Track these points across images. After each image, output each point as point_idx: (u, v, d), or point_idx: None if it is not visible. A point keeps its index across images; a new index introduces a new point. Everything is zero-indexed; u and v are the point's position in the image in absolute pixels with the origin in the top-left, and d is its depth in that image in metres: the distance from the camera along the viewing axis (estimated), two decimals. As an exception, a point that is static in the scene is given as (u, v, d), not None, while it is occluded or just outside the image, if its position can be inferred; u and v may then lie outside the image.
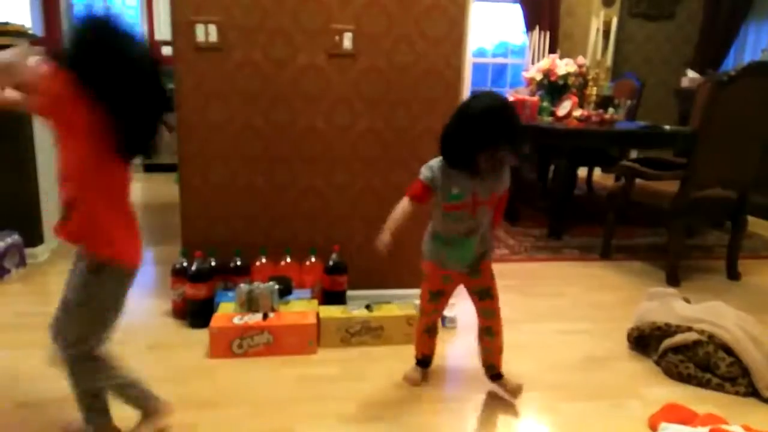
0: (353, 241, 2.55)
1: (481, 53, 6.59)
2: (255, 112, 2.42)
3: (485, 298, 1.83)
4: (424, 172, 1.70)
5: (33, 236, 3.04)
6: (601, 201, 3.90)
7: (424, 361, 2.02)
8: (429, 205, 1.76)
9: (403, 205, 1.72)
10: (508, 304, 1.63)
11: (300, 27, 2.35)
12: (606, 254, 3.48)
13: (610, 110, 4.05)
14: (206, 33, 2.32)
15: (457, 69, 2.49)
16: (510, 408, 1.87)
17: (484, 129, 1.56)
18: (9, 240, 2.85)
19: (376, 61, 2.43)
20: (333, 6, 2.36)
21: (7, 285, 2.76)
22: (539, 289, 2.88)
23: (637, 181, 3.25)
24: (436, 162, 1.70)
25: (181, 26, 2.30)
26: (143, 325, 2.38)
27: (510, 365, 1.94)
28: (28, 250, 3.00)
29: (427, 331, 1.98)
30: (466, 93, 6.24)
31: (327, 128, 2.46)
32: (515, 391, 1.87)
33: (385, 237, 1.71)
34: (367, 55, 2.42)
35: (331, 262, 2.45)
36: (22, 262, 2.95)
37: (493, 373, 1.91)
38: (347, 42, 2.39)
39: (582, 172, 5.00)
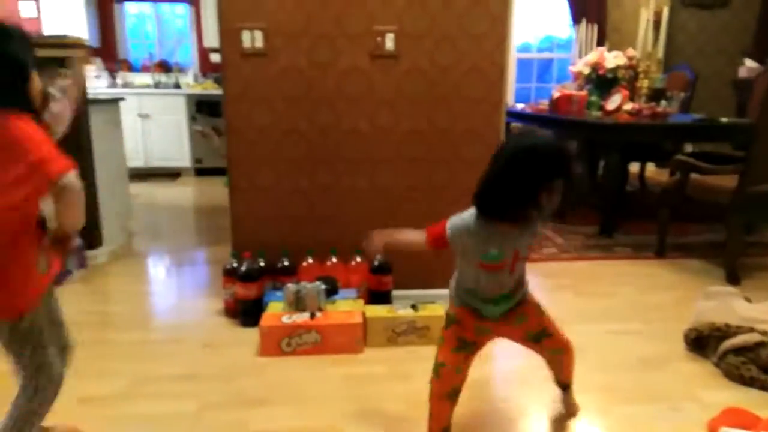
0: (398, 241, 2.55)
1: (525, 48, 6.49)
2: (299, 116, 2.46)
3: (542, 338, 1.60)
4: (450, 228, 1.46)
5: (93, 239, 3.19)
6: (654, 197, 3.77)
7: None
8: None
9: (418, 240, 1.53)
10: (558, 303, 1.55)
11: (342, 30, 2.38)
12: (661, 252, 3.37)
13: (663, 103, 3.92)
14: (252, 39, 2.37)
15: (501, 66, 2.46)
16: (561, 410, 1.84)
17: (543, 162, 1.35)
18: (71, 242, 2.99)
19: (418, 61, 2.43)
20: (375, 8, 2.37)
21: (70, 285, 2.89)
22: (591, 289, 2.81)
23: (693, 176, 3.13)
24: (468, 218, 1.44)
25: (229, 33, 2.37)
26: (198, 324, 2.46)
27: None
28: (88, 252, 3.15)
29: (449, 395, 1.56)
30: (510, 91, 6.17)
31: (370, 129, 2.48)
32: (573, 409, 1.77)
33: (377, 243, 1.58)
34: (410, 56, 2.42)
35: (376, 262, 2.46)
36: (83, 264, 3.09)
37: (562, 384, 1.77)
38: (389, 43, 2.40)
39: (634, 167, 4.85)
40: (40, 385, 1.44)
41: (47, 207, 1.34)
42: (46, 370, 1.43)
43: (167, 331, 2.44)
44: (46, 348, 1.43)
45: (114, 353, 2.21)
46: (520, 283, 1.55)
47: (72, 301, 2.70)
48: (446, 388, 1.55)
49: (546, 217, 1.41)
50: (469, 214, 1.44)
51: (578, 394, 1.83)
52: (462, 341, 1.54)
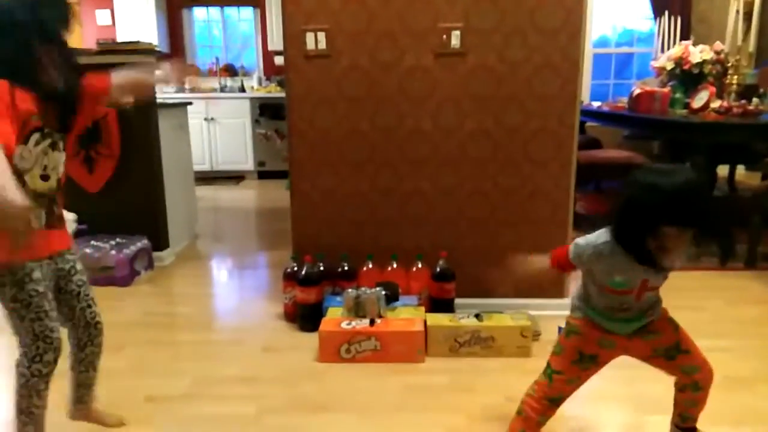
0: (461, 246, 2.46)
1: (603, 43, 6.22)
2: (361, 117, 2.41)
3: (676, 355, 1.46)
4: (574, 252, 1.39)
5: (160, 241, 3.28)
6: (745, 202, 3.49)
7: None
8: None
9: (543, 265, 1.49)
10: None
11: (406, 28, 2.31)
12: (751, 263, 3.14)
13: (755, 100, 3.63)
14: (315, 41, 2.35)
15: (575, 61, 2.32)
16: (638, 429, 1.69)
17: (661, 204, 1.22)
18: (139, 244, 3.08)
19: (485, 58, 2.33)
20: (440, 4, 2.29)
21: (137, 286, 2.99)
22: (674, 302, 2.56)
23: (790, 179, 2.87)
24: (596, 241, 1.35)
25: (293, 36, 2.36)
26: (258, 327, 2.47)
27: (641, 386, 1.76)
28: (155, 254, 3.24)
29: (554, 400, 1.48)
30: (586, 88, 5.91)
31: (433, 129, 2.40)
32: None
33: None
34: (476, 53, 2.33)
35: (438, 269, 2.38)
36: (150, 265, 3.18)
37: (687, 426, 1.59)
38: (455, 40, 2.31)
39: (722, 170, 4.53)
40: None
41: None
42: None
43: (229, 333, 2.46)
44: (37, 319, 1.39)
45: (178, 353, 2.25)
46: (651, 306, 1.44)
47: (139, 302, 2.78)
48: (554, 393, 1.48)
49: (674, 262, 1.28)
50: (596, 236, 1.36)
51: (657, 415, 1.67)
52: (581, 354, 1.45)
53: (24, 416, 1.44)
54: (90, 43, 5.61)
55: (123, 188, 3.16)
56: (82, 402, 1.67)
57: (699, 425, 1.67)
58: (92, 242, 3.05)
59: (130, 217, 3.19)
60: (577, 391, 1.48)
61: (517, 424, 1.51)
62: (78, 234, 3.16)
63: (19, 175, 1.28)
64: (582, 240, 1.38)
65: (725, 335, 2.32)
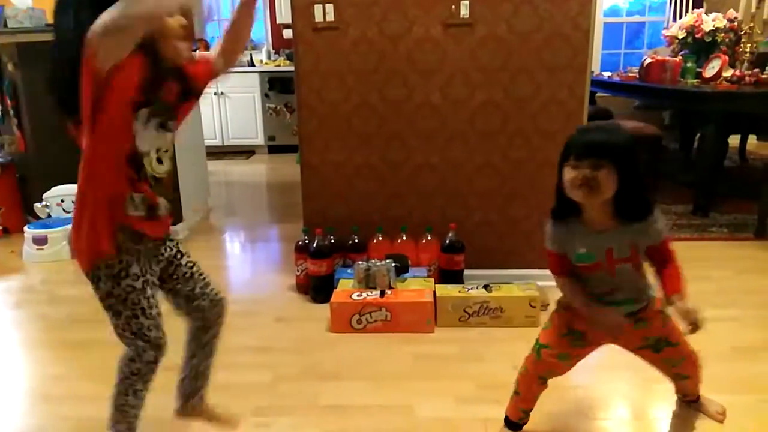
0: (470, 219, 2.48)
1: (614, 12, 6.10)
2: (370, 89, 2.41)
3: (663, 347, 1.43)
4: (547, 238, 1.39)
5: (174, 215, 3.30)
6: (756, 173, 3.47)
7: (517, 425, 1.55)
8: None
9: (560, 284, 1.42)
10: None
11: (414, 0, 2.30)
12: (761, 233, 3.12)
13: (768, 69, 3.56)
14: (324, 13, 2.34)
15: (586, 31, 2.29)
16: (644, 398, 1.73)
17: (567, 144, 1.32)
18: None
19: (495, 28, 2.31)
20: (449, -26, 2.26)
21: (154, 259, 3.04)
22: (683, 272, 2.62)
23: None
24: (550, 228, 1.39)
25: (301, 8, 2.35)
26: (271, 298, 2.52)
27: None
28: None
29: (542, 378, 1.49)
30: (596, 58, 5.82)
31: (443, 102, 2.40)
32: (717, 416, 1.58)
33: (590, 313, 1.37)
34: (485, 23, 2.31)
35: (447, 241, 2.40)
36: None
37: (689, 399, 1.61)
38: (464, 10, 2.29)
39: (734, 140, 4.49)
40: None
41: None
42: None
43: (243, 304, 2.50)
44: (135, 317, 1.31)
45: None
46: (639, 291, 1.40)
47: (155, 274, 2.84)
48: (542, 370, 1.47)
49: (587, 198, 1.27)
50: (550, 224, 1.38)
51: (664, 383, 1.70)
52: (570, 329, 1.43)
53: (118, 413, 1.37)
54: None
55: (136, 163, 3.19)
56: (196, 395, 1.55)
57: (705, 393, 1.70)
58: (107, 217, 3.10)
59: (144, 191, 3.23)
60: (582, 361, 1.50)
61: (512, 404, 1.54)
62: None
63: (139, 159, 1.21)
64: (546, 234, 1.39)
65: (733, 305, 2.32)
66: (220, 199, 4.32)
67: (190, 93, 1.31)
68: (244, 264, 3.13)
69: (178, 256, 1.39)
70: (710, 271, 2.67)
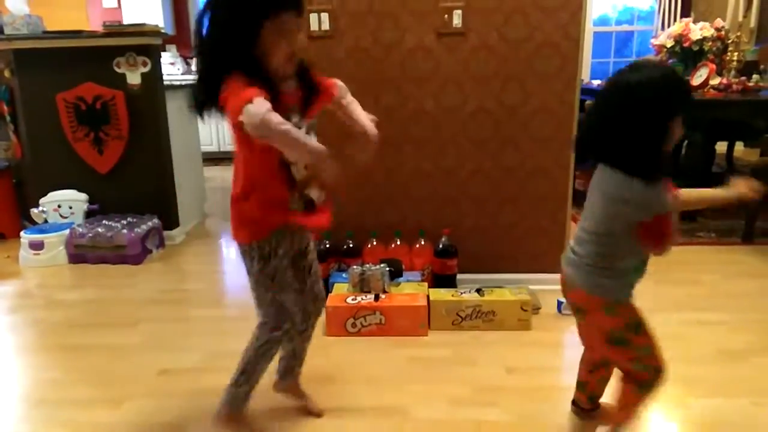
0: (463, 224, 2.52)
1: (603, 21, 6.18)
2: (364, 98, 2.38)
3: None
4: (666, 201, 1.26)
5: (170, 220, 3.34)
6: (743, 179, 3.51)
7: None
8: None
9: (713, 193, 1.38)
10: (638, 291, 1.45)
11: (408, 8, 2.34)
12: (748, 238, 3.17)
13: (755, 77, 3.64)
14: (319, 21, 2.37)
15: (576, 40, 2.34)
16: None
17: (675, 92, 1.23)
18: (150, 223, 3.15)
19: (486, 37, 2.35)
20: (442, -16, 2.31)
21: (149, 264, 3.06)
22: (672, 276, 2.66)
23: (788, 155, 2.90)
24: (641, 185, 1.23)
25: (296, 16, 2.37)
26: (265, 303, 2.53)
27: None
28: (166, 233, 3.31)
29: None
30: (586, 66, 5.89)
31: (436, 109, 2.44)
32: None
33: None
34: (478, 32, 2.35)
35: (440, 245, 2.43)
36: (161, 244, 3.25)
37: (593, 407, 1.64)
38: (456, 19, 2.33)
39: (721, 147, 4.54)
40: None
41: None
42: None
43: (239, 308, 2.52)
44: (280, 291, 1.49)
45: (190, 329, 2.32)
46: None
47: (151, 280, 2.86)
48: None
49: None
50: (639, 184, 1.23)
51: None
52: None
53: (245, 376, 1.55)
54: (96, 26, 5.62)
55: (133, 169, 3.22)
56: (291, 374, 1.73)
57: (695, 396, 1.73)
58: (104, 222, 3.12)
59: (141, 196, 3.26)
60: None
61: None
62: (90, 214, 3.23)
63: (287, 167, 1.34)
64: (645, 196, 1.24)
65: (721, 309, 2.36)
66: (216, 204, 4.33)
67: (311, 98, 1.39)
68: (240, 269, 3.09)
69: (307, 250, 1.55)
70: (698, 275, 2.72)
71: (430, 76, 2.40)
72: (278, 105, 1.21)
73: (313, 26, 2.37)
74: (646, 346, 1.35)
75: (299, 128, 1.27)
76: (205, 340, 2.20)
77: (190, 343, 2.18)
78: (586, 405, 1.62)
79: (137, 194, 3.26)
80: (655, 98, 1.19)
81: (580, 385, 1.61)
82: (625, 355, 1.36)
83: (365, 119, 1.45)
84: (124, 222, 3.10)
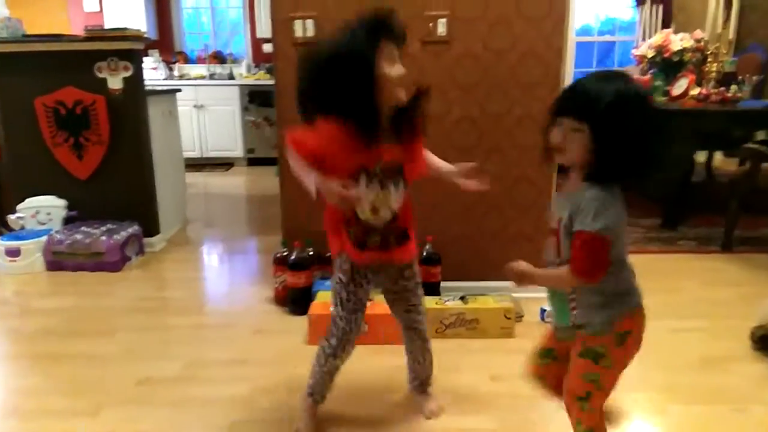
0: (448, 232, 2.52)
1: (585, 31, 6.26)
2: None
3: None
4: (604, 224, 1.12)
5: (151, 227, 3.30)
6: (722, 188, 3.57)
7: None
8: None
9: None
10: None
11: (393, 16, 2.34)
12: (728, 246, 3.21)
13: (733, 88, 3.70)
14: (304, 28, 2.37)
15: (559, 50, 2.36)
16: (617, 408, 1.76)
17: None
18: (130, 230, 3.11)
19: (471, 45, 2.37)
20: (427, -8, 2.32)
21: (128, 271, 3.01)
22: (651, 284, 2.62)
23: (764, 165, 2.96)
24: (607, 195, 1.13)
25: (281, 23, 2.37)
26: (248, 311, 2.51)
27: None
28: (146, 240, 3.26)
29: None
30: (569, 75, 5.95)
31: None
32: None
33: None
34: (462, 40, 2.36)
35: (424, 253, 2.43)
36: (141, 251, 3.21)
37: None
38: (441, 28, 2.34)
39: (701, 156, 4.62)
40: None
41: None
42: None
43: (220, 316, 2.50)
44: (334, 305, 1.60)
45: (169, 337, 2.28)
46: (579, 297, 1.24)
47: (130, 287, 2.81)
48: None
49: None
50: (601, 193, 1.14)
51: (636, 393, 1.75)
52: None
53: (312, 378, 1.65)
54: (77, 30, 5.55)
55: (113, 174, 3.17)
56: (412, 383, 1.81)
57: (676, 403, 1.74)
58: (83, 228, 3.07)
59: (121, 203, 3.21)
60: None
61: None
62: (68, 220, 3.18)
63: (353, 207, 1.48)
64: (598, 206, 1.11)
65: (701, 316, 2.39)
66: (198, 211, 4.30)
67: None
68: (222, 276, 3.11)
69: (398, 279, 1.63)
70: (679, 282, 2.75)
71: (415, 83, 2.40)
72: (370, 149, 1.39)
73: (298, 33, 2.37)
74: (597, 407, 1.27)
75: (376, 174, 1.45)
76: (185, 348, 2.17)
77: (169, 352, 2.15)
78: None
79: (117, 201, 3.21)
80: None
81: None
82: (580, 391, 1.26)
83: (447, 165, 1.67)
84: (103, 229, 3.05)
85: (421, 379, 1.78)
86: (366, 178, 1.45)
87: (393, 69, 1.40)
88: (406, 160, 1.52)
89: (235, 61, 6.57)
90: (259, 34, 6.22)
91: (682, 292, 2.64)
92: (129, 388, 1.89)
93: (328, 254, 2.45)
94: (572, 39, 5.93)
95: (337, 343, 1.59)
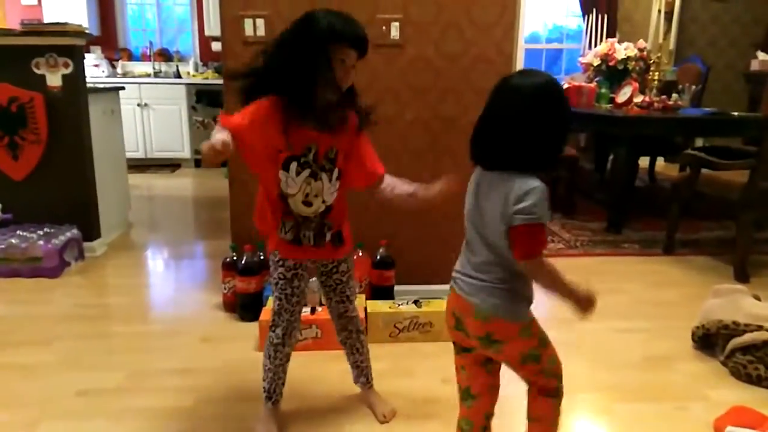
0: (401, 235, 2.51)
1: (534, 39, 6.41)
2: None
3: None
4: (539, 212, 1.14)
5: (91, 230, 3.16)
6: (664, 192, 3.73)
7: None
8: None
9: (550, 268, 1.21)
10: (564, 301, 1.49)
11: (346, 18, 2.32)
12: (669, 249, 3.32)
13: (674, 96, 3.86)
14: (254, 27, 2.32)
15: (509, 56, 2.40)
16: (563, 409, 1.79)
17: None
18: (69, 234, 2.97)
19: (424, 50, 2.37)
20: (380, -5, 2.31)
21: (67, 277, 2.87)
22: (597, 286, 2.67)
23: (703, 171, 3.09)
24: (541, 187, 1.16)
25: (230, 21, 2.32)
26: (195, 318, 2.43)
27: (563, 365, 1.85)
28: (86, 244, 3.12)
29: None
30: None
31: (373, 120, 2.42)
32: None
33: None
34: (415, 45, 2.37)
35: (378, 257, 2.42)
36: (80, 256, 3.07)
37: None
38: (394, 32, 2.34)
39: (643, 162, 4.80)
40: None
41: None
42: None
43: (165, 324, 2.41)
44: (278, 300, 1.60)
45: (111, 346, 2.19)
46: None
47: (69, 294, 2.68)
48: None
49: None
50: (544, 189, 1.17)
51: (581, 393, 1.79)
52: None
53: (265, 382, 1.67)
54: (14, 24, 5.28)
55: (51, 175, 3.03)
56: (358, 382, 1.81)
57: (618, 401, 1.79)
58: (18, 232, 2.91)
59: (59, 205, 3.07)
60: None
61: None
62: (2, 224, 3.01)
63: (284, 198, 1.49)
64: (539, 199, 1.14)
65: (644, 317, 2.46)
66: (142, 213, 4.15)
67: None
68: (167, 282, 3.01)
69: (333, 272, 1.64)
70: (623, 284, 2.83)
71: (368, 86, 2.38)
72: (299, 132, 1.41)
73: (248, 32, 2.32)
74: (552, 356, 1.31)
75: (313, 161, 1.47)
76: (127, 358, 2.08)
77: (111, 362, 2.06)
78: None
79: (55, 203, 3.06)
80: (552, 101, 1.19)
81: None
82: (535, 369, 1.31)
83: (407, 187, 1.66)
84: (40, 232, 2.91)
85: (363, 370, 1.79)
86: (297, 166, 1.45)
87: (347, 58, 1.43)
88: (345, 158, 1.54)
89: (182, 59, 6.40)
90: (208, 32, 6.06)
91: (626, 294, 2.72)
92: (68, 400, 1.81)
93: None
94: (522, 46, 6.06)
95: (283, 332, 1.61)
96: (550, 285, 1.20)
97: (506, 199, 1.16)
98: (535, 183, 1.15)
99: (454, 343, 1.39)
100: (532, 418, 1.39)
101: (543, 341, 1.30)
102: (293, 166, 1.45)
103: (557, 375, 1.34)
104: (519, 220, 1.14)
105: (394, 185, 1.64)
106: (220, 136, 1.29)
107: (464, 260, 1.31)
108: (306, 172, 1.47)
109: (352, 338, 1.74)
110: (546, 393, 1.35)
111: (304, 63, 1.37)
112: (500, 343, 1.25)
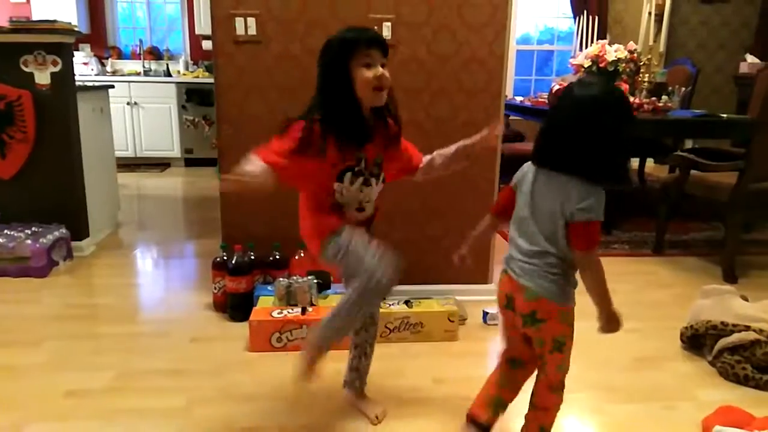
0: (392, 236, 2.48)
1: (525, 40, 6.44)
2: (292, 105, 2.35)
3: None
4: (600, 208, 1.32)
5: (79, 230, 3.14)
6: (653, 193, 3.74)
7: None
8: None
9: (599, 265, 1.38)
10: None
11: (338, 18, 2.32)
12: (659, 249, 3.34)
13: (664, 98, 3.88)
14: (245, 26, 2.31)
15: (500, 57, 2.40)
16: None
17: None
18: (57, 233, 2.94)
19: (416, 50, 2.37)
20: (371, -5, 2.31)
21: (56, 277, 2.85)
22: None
23: (692, 172, 3.10)
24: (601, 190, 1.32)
25: (221, 20, 2.31)
26: (186, 318, 2.42)
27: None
28: (74, 244, 3.09)
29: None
30: (509, 83, 6.11)
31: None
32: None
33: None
34: (407, 45, 2.37)
35: (369, 257, 2.41)
36: (69, 255, 3.04)
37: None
38: (386, 31, 2.34)
39: (633, 163, 4.82)
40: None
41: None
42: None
43: (155, 324, 2.39)
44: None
45: (101, 347, 2.17)
46: None
47: (57, 294, 2.66)
48: None
49: None
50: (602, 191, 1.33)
51: (572, 393, 1.78)
52: None
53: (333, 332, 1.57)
54: (2, 21, 5.22)
55: (39, 174, 3.00)
56: (352, 386, 1.78)
57: (610, 402, 1.80)
58: (5, 231, 2.88)
59: (47, 204, 3.04)
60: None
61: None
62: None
63: (338, 207, 1.53)
64: (593, 196, 1.30)
65: (634, 317, 2.44)
66: (131, 213, 4.12)
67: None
68: (157, 282, 2.99)
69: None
70: (612, 285, 2.76)
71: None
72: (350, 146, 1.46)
73: (240, 30, 2.31)
74: (569, 351, 1.42)
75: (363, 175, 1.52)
76: (116, 358, 2.06)
77: (99, 362, 2.04)
78: (491, 420, 1.53)
79: (43, 202, 3.03)
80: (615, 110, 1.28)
81: (495, 402, 1.50)
82: (558, 360, 1.41)
83: (446, 150, 1.69)
84: (28, 232, 2.88)
85: (361, 377, 1.78)
86: (351, 176, 1.50)
87: (369, 71, 1.45)
88: (386, 158, 1.59)
89: (172, 57, 6.36)
90: (198, 31, 6.04)
91: (616, 294, 2.68)
92: (56, 401, 1.79)
93: (270, 258, 2.42)
94: (513, 47, 6.08)
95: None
96: (595, 281, 1.35)
97: (568, 197, 1.29)
98: (597, 186, 1.29)
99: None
100: (536, 406, 1.49)
101: (571, 335, 1.40)
102: (348, 176, 1.50)
103: (567, 370, 1.45)
104: (580, 217, 1.27)
105: (433, 157, 1.70)
106: (260, 175, 1.38)
107: (515, 248, 1.41)
108: (360, 180, 1.52)
109: (369, 339, 1.75)
110: (553, 386, 1.45)
111: (334, 84, 1.45)
112: (542, 321, 1.35)
